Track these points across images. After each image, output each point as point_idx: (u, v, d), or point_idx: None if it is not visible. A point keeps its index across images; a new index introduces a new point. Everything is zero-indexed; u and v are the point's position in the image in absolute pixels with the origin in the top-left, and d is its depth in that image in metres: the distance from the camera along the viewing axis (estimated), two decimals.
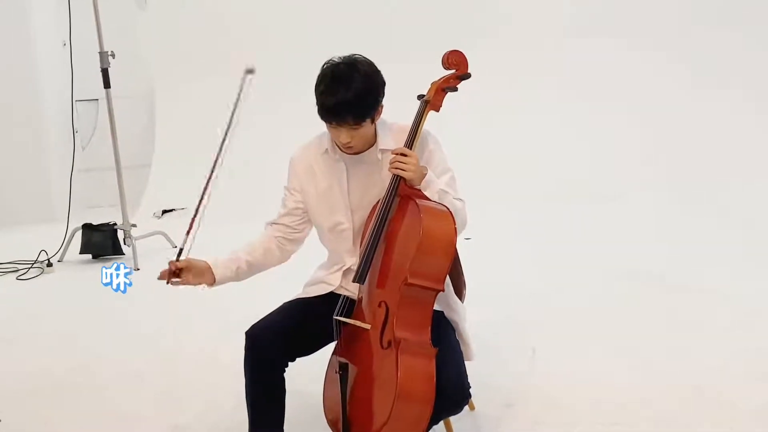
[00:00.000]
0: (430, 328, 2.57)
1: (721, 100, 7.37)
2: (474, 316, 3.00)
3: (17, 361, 4.20)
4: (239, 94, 2.77)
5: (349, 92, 2.62)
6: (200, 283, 2.78)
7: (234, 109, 2.77)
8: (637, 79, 7.51)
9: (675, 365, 3.60)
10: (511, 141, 7.40)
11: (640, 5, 7.61)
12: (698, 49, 7.46)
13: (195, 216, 2.71)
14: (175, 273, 2.71)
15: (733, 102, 7.37)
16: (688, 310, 4.27)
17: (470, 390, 2.61)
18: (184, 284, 2.75)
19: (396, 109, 2.98)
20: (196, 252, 2.72)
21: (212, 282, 2.80)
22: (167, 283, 2.72)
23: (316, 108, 2.69)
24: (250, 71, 2.79)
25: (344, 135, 2.70)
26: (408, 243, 2.57)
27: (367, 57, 2.76)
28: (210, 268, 2.79)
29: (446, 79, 2.85)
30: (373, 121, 2.75)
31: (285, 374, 2.78)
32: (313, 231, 3.01)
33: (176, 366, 3.97)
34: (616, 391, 3.40)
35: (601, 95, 7.48)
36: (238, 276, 2.86)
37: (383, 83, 2.74)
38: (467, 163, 3.43)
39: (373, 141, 2.82)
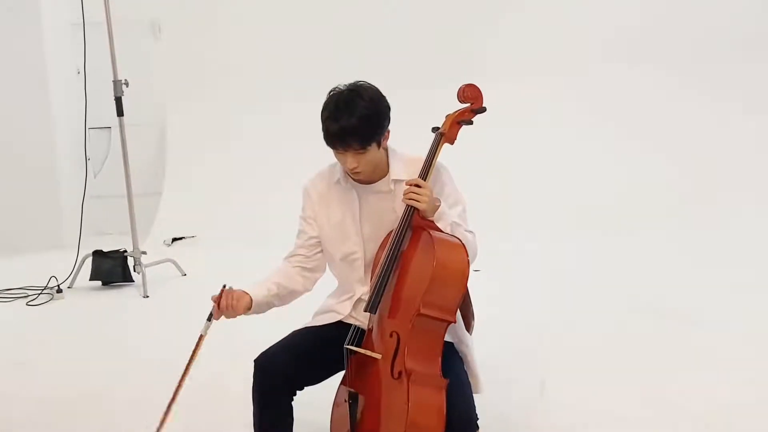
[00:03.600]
0: (440, 360, 2.57)
1: (747, 132, 7.33)
2: (482, 348, 3.00)
3: (26, 386, 4.18)
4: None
5: (353, 118, 2.65)
6: (241, 308, 2.79)
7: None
8: (659, 109, 7.49)
9: (687, 401, 3.57)
10: (521, 174, 7.41)
11: (664, 34, 7.60)
12: (724, 79, 7.44)
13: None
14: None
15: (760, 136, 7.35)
16: (701, 345, 4.25)
17: (478, 422, 2.60)
18: (231, 313, 2.78)
19: (408, 140, 3.00)
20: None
21: (249, 304, 2.81)
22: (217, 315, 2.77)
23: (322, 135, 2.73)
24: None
25: (351, 160, 2.72)
26: (421, 274, 2.57)
27: (374, 84, 2.79)
28: (245, 292, 2.82)
29: (461, 113, 2.86)
30: (379, 146, 2.76)
31: (293, 403, 2.78)
32: None
33: (185, 393, 3.95)
34: (626, 425, 3.38)
35: (620, 127, 7.48)
36: (270, 299, 2.88)
37: (388, 108, 2.77)
38: (478, 194, 3.43)
39: (385, 171, 2.84)
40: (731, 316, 4.66)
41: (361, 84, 2.77)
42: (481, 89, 2.90)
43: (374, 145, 2.72)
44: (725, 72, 7.45)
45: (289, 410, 2.78)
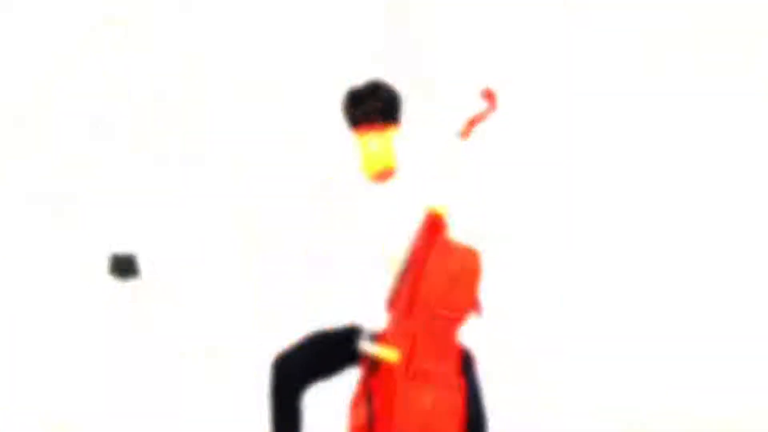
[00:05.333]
0: (455, 360, 2.59)
1: (747, 133, 7.34)
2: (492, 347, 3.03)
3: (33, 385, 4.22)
4: None
5: (377, 99, 2.74)
6: None
7: None
8: (659, 109, 7.52)
9: (687, 401, 3.62)
10: (522, 174, 7.43)
11: (664, 34, 7.63)
12: (723, 79, 7.47)
13: None
14: None
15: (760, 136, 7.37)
16: (701, 345, 4.27)
17: (489, 422, 2.64)
18: None
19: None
20: None
21: None
22: None
23: (345, 121, 2.79)
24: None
25: (374, 142, 2.76)
26: (436, 273, 2.59)
27: None
28: None
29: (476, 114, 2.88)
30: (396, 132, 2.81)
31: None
32: None
33: (200, 394, 3.97)
34: (627, 425, 3.43)
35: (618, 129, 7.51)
36: None
37: (401, 102, 2.82)
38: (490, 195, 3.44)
39: (396, 174, 2.86)
40: (731, 316, 4.68)
41: (374, 79, 2.84)
42: (495, 91, 2.93)
43: (393, 128, 2.78)
44: (725, 72, 7.47)
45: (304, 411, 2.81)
